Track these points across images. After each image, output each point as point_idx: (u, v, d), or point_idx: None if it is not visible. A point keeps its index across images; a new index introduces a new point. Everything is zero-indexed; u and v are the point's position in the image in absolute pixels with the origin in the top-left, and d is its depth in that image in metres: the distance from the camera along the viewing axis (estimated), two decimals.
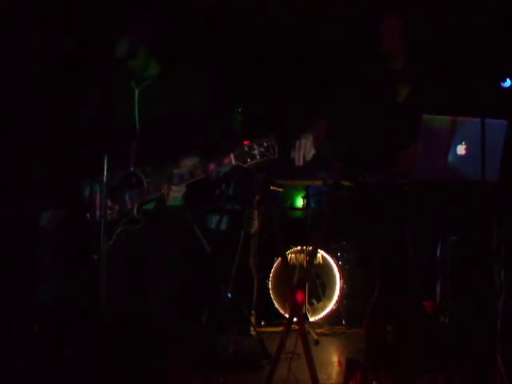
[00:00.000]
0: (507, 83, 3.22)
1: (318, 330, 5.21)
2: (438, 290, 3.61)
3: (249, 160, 2.71)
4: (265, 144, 2.70)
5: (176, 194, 2.87)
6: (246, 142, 2.72)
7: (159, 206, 2.89)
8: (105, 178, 2.66)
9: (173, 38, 3.40)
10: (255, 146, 2.70)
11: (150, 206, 2.91)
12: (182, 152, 2.93)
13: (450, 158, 3.17)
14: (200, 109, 2.99)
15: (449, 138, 3.14)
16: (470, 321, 3.63)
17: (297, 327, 3.40)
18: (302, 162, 3.23)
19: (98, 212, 2.90)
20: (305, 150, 3.22)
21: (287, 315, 5.12)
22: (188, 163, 2.88)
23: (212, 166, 2.79)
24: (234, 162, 2.74)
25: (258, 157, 2.70)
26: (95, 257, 2.79)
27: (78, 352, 3.75)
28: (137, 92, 2.99)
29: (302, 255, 5.52)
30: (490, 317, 3.13)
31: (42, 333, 4.12)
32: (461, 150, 3.17)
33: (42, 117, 4.76)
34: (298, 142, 3.23)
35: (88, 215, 2.95)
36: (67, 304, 4.16)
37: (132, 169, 2.92)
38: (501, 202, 3.22)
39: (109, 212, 2.84)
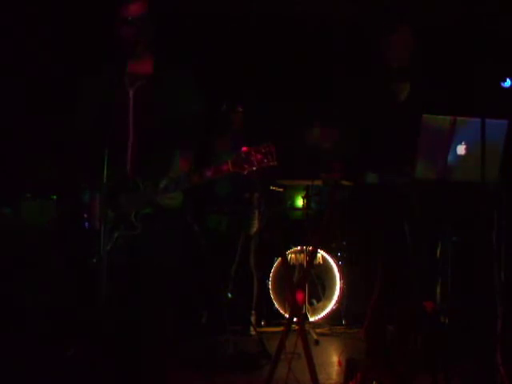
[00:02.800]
0: (507, 83, 3.22)
1: (318, 330, 5.21)
2: (438, 290, 3.61)
3: (247, 167, 2.71)
4: (263, 150, 2.70)
5: (172, 201, 2.87)
6: (244, 149, 2.72)
7: (158, 208, 2.89)
8: (104, 179, 2.65)
9: (169, 36, 3.40)
10: (253, 153, 2.70)
11: (148, 210, 2.90)
12: (176, 151, 2.94)
13: (450, 158, 3.17)
14: (195, 109, 2.99)
15: (449, 137, 3.15)
16: (470, 321, 3.63)
17: (297, 327, 3.40)
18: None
19: (95, 218, 2.89)
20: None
21: (287, 315, 5.12)
22: (181, 166, 2.89)
23: (209, 174, 2.78)
24: (231, 169, 2.73)
25: (256, 163, 2.70)
26: (94, 260, 2.79)
27: (78, 353, 3.75)
28: (131, 92, 2.97)
29: (302, 255, 5.51)
30: (489, 317, 3.13)
31: (42, 333, 4.12)
32: (461, 149, 3.17)
33: (40, 119, 4.76)
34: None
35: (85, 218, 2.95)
36: (67, 305, 4.16)
37: (128, 173, 2.91)
38: (501, 202, 3.22)
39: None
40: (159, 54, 3.04)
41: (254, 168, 2.70)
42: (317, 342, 4.88)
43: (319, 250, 5.48)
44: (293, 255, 5.64)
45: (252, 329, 5.01)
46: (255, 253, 5.37)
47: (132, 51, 2.90)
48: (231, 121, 5.24)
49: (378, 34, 3.51)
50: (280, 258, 5.46)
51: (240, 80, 5.95)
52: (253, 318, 5.24)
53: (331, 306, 5.46)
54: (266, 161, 2.69)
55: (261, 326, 5.38)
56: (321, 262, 5.56)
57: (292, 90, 6.00)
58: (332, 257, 5.55)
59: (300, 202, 5.86)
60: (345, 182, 3.90)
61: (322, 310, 5.47)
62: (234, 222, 5.30)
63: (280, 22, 5.87)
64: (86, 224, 2.93)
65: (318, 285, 5.51)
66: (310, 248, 5.33)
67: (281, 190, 5.50)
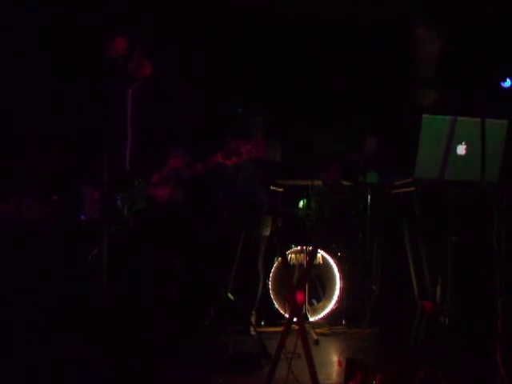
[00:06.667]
0: (507, 83, 3.22)
1: (318, 330, 5.21)
2: (438, 290, 3.61)
3: (235, 158, 2.74)
4: (252, 143, 2.73)
5: (164, 194, 2.89)
6: (234, 141, 2.75)
7: (152, 203, 2.90)
8: (104, 177, 2.66)
9: (170, 37, 3.41)
10: (242, 145, 2.73)
11: (142, 205, 2.91)
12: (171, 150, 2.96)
13: (450, 158, 3.18)
14: (195, 109, 3.01)
15: (449, 138, 3.15)
16: (470, 321, 3.63)
17: (297, 327, 3.39)
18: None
19: (92, 212, 2.91)
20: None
21: (287, 315, 5.12)
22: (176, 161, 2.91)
23: (199, 166, 2.82)
24: (221, 160, 2.77)
25: (244, 154, 2.73)
26: (95, 250, 2.80)
27: (78, 352, 3.75)
28: (130, 92, 2.99)
29: (302, 255, 5.51)
30: (489, 317, 3.13)
31: (43, 332, 4.12)
32: (461, 149, 3.18)
33: (40, 115, 4.76)
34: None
35: (82, 216, 2.97)
36: (66, 304, 4.16)
37: (125, 169, 2.93)
38: (501, 202, 3.22)
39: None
40: (160, 56, 3.05)
41: (242, 159, 2.74)
42: (317, 342, 4.88)
43: (319, 250, 5.49)
44: (293, 255, 5.64)
45: (252, 329, 5.01)
46: (263, 255, 5.35)
47: (128, 58, 2.91)
48: (251, 125, 5.18)
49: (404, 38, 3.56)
50: (280, 258, 5.46)
51: (239, 80, 5.95)
52: (253, 318, 5.23)
53: (331, 306, 5.46)
54: (254, 151, 2.73)
55: (261, 326, 5.38)
56: (321, 262, 5.56)
57: (292, 90, 6.00)
58: (332, 257, 5.55)
59: (300, 202, 5.86)
60: (345, 182, 3.91)
61: (322, 310, 5.47)
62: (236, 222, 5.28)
63: (282, 22, 5.88)
64: (83, 220, 2.95)
65: (318, 285, 5.51)
66: (310, 248, 5.33)
67: (281, 190, 5.50)
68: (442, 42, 3.65)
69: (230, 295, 4.88)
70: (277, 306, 5.57)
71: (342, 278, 5.49)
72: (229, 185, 5.02)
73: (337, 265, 5.51)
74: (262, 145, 2.72)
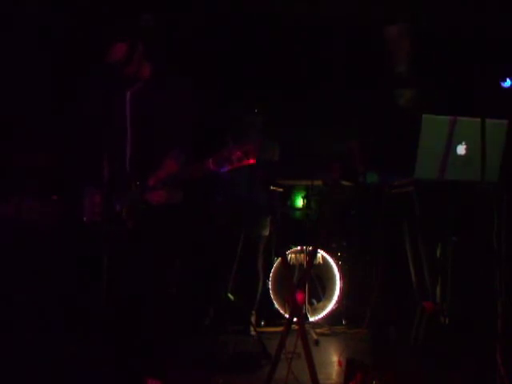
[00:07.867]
0: (507, 83, 3.22)
1: (318, 330, 5.21)
2: (438, 290, 3.61)
3: (226, 165, 2.73)
4: (243, 149, 2.72)
5: (161, 198, 2.90)
6: (227, 147, 2.75)
7: (149, 205, 2.90)
8: (104, 178, 2.66)
9: (169, 38, 3.41)
10: (233, 151, 2.72)
11: (141, 208, 2.92)
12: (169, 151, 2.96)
13: (450, 158, 3.18)
14: (194, 110, 3.01)
15: (449, 137, 3.15)
16: (470, 321, 3.63)
17: (297, 327, 3.40)
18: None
19: (91, 213, 2.91)
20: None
21: (287, 315, 5.12)
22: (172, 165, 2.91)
23: (194, 173, 2.82)
24: (212, 167, 2.76)
25: (235, 161, 2.72)
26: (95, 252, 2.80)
27: (78, 352, 3.75)
28: (128, 93, 2.99)
29: (302, 255, 5.52)
30: (489, 317, 3.14)
31: (43, 332, 4.12)
32: (461, 150, 3.18)
33: (41, 116, 4.76)
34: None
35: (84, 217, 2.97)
36: (67, 303, 4.16)
37: (125, 170, 2.93)
38: (501, 202, 3.22)
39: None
40: (160, 57, 3.04)
41: (235, 166, 2.74)
42: (317, 342, 4.88)
43: (319, 250, 5.49)
44: (293, 255, 5.64)
45: (252, 329, 5.01)
46: (263, 255, 5.36)
47: (127, 63, 2.91)
48: (251, 125, 5.17)
49: (378, 36, 3.54)
50: (280, 258, 5.47)
51: (239, 80, 5.95)
52: (253, 318, 5.24)
53: (331, 305, 5.46)
54: (245, 158, 2.72)
55: (261, 326, 5.38)
56: (321, 262, 5.56)
57: (291, 90, 6.00)
58: (332, 257, 5.55)
59: (300, 202, 5.87)
60: (345, 182, 3.91)
61: (322, 310, 5.47)
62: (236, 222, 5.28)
63: (282, 22, 5.88)
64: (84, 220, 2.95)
65: (318, 285, 5.52)
66: (310, 248, 5.33)
67: (281, 190, 5.50)
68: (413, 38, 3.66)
69: (230, 295, 4.88)
70: (277, 305, 5.57)
71: (342, 277, 5.50)
72: (227, 190, 5.02)
73: (337, 265, 5.52)
74: (252, 149, 2.71)
